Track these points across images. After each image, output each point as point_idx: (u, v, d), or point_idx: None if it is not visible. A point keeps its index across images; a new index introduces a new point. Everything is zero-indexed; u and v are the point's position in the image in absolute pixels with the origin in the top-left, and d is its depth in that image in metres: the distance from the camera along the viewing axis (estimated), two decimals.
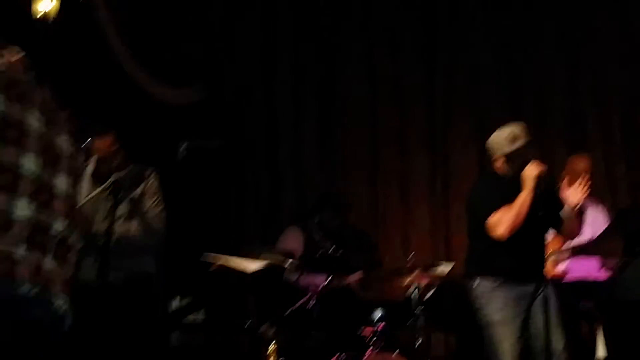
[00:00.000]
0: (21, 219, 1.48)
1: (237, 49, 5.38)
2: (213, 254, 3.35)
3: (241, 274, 3.44)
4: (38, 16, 3.58)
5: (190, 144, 4.62)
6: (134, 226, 3.37)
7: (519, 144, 3.29)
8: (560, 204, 3.33)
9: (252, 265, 3.39)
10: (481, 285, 3.32)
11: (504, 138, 3.33)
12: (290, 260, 3.53)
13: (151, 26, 4.77)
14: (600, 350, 3.53)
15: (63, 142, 1.63)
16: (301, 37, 5.42)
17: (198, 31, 5.24)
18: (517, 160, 3.29)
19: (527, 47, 5.25)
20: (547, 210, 3.24)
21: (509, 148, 3.31)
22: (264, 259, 3.35)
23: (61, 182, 1.59)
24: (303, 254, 4.21)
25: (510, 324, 3.22)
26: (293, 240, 4.38)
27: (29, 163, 1.50)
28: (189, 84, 4.98)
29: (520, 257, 3.26)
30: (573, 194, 3.24)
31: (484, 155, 5.14)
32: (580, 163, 4.35)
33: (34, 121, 1.53)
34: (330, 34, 5.42)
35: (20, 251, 1.47)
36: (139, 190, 3.45)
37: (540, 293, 3.25)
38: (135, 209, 3.40)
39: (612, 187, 4.97)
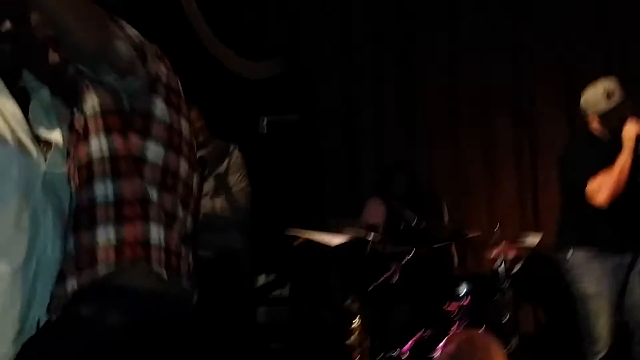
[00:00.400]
0: (180, 218, 1.60)
1: (316, 20, 5.31)
2: (297, 229, 3.38)
3: (325, 248, 3.47)
4: None
5: (271, 119, 4.65)
6: (219, 202, 3.43)
7: (614, 101, 3.08)
8: None
9: (335, 239, 3.40)
10: (575, 256, 3.19)
11: (597, 95, 3.12)
12: (374, 232, 3.51)
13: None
14: None
15: (196, 144, 1.76)
16: (380, 4, 5.28)
17: (276, 3, 5.21)
18: (614, 119, 3.08)
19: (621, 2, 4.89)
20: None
21: (604, 106, 3.10)
22: (347, 232, 3.35)
23: (195, 180, 1.72)
24: (386, 225, 4.20)
25: (607, 297, 3.09)
26: (375, 212, 4.37)
27: (184, 168, 1.62)
28: (269, 57, 4.97)
29: (617, 226, 3.10)
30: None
31: (574, 119, 4.92)
32: None
33: (185, 126, 1.64)
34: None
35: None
36: (223, 167, 3.51)
37: (638, 264, 3.12)
38: (221, 185, 3.46)
39: None
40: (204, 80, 4.24)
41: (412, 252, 3.66)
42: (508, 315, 3.44)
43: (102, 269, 1.43)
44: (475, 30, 5.11)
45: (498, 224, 3.71)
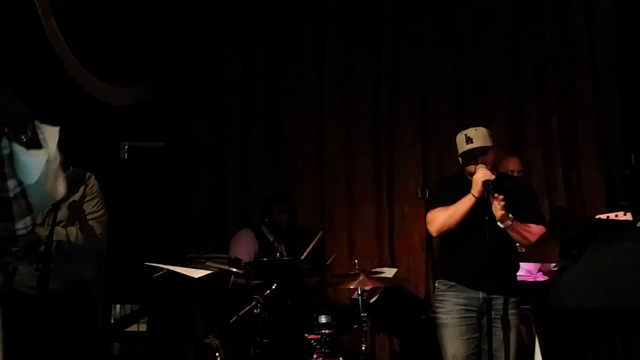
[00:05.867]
0: None
1: (186, 48, 5.27)
2: (157, 263, 3.27)
3: (186, 281, 3.38)
4: None
5: (133, 144, 4.52)
6: (74, 231, 3.26)
7: (471, 146, 3.34)
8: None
9: (197, 272, 3.33)
10: (438, 287, 3.41)
11: (461, 138, 3.40)
12: (237, 266, 3.49)
13: (98, 22, 4.62)
14: (539, 356, 3.61)
15: None
16: (251, 37, 5.35)
17: (146, 29, 5.10)
18: (469, 161, 3.34)
19: (472, 48, 5.33)
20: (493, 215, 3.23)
21: (462, 149, 3.37)
22: (210, 267, 3.30)
23: None
24: (258, 256, 4.21)
25: (457, 326, 3.27)
26: (246, 244, 4.36)
27: None
28: (135, 83, 4.84)
29: (471, 262, 3.28)
30: (495, 208, 3.25)
31: (428, 156, 5.27)
32: (510, 164, 4.49)
33: None
34: (279, 34, 5.37)
35: None
36: (78, 194, 3.34)
37: (500, 305, 3.26)
38: (76, 214, 3.30)
39: (550, 188, 5.11)
40: (61, 102, 4.03)
41: (274, 285, 3.67)
42: (365, 345, 3.54)
43: None
44: (342, 74, 5.32)
45: (356, 260, 3.84)
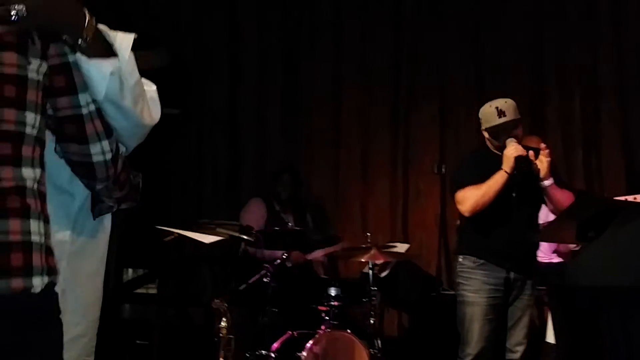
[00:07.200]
0: None
1: (201, 15, 5.24)
2: (169, 227, 3.26)
3: (197, 246, 3.38)
4: None
5: None
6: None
7: (504, 119, 3.20)
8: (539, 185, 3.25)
9: (208, 238, 3.32)
10: (465, 262, 3.28)
11: (490, 111, 3.23)
12: (248, 234, 3.47)
13: None
14: (550, 336, 3.57)
15: None
16: (267, 7, 5.30)
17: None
18: (501, 136, 3.20)
19: (492, 26, 5.22)
20: (524, 192, 3.13)
21: (493, 122, 3.22)
22: (221, 233, 3.28)
23: None
24: (265, 226, 4.20)
25: (483, 306, 3.18)
26: (255, 212, 4.36)
27: None
28: (151, 47, 4.81)
29: (498, 241, 3.17)
30: (541, 162, 3.13)
31: (446, 132, 5.20)
32: (531, 144, 4.38)
33: None
34: (297, 7, 5.31)
35: None
36: None
37: (523, 286, 3.21)
38: None
39: (569, 170, 5.03)
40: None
41: (284, 255, 3.66)
42: (374, 319, 3.51)
43: None
44: (360, 49, 5.24)
45: (369, 234, 3.80)
